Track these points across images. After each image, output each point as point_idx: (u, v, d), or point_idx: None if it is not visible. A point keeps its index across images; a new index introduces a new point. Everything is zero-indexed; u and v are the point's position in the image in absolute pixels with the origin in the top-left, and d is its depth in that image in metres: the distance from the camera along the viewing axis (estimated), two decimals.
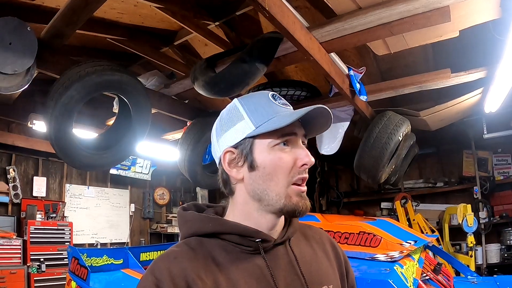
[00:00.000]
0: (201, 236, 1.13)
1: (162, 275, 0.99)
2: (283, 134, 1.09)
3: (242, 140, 1.12)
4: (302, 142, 1.14)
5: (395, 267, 2.60)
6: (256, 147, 1.11)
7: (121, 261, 4.80)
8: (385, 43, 3.58)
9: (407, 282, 2.56)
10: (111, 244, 8.60)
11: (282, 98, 1.17)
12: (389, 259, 2.73)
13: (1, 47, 2.76)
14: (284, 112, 1.11)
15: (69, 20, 2.94)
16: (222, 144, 1.16)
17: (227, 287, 1.02)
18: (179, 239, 1.18)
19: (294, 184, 1.10)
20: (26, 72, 3.01)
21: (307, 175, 1.12)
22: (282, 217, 1.18)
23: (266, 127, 1.08)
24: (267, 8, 2.38)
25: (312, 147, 5.51)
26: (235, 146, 1.13)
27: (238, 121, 1.13)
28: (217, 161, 1.20)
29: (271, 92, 1.16)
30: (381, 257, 2.80)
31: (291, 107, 1.17)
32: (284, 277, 1.10)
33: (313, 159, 1.11)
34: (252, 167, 1.11)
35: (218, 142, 1.17)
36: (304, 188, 1.11)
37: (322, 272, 1.19)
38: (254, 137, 1.11)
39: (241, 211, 1.15)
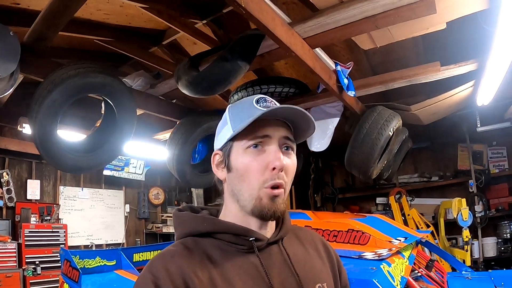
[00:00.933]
0: (197, 236, 1.16)
1: (160, 273, 1.02)
2: (255, 137, 1.12)
3: (225, 143, 1.18)
4: (284, 144, 1.15)
5: (381, 266, 2.56)
6: (233, 150, 1.16)
7: (114, 262, 4.78)
8: (371, 37, 3.53)
9: (394, 281, 2.52)
10: (107, 245, 8.60)
11: (270, 101, 1.18)
12: (377, 257, 2.70)
13: None
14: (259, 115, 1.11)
15: (50, 23, 2.93)
16: (215, 147, 1.24)
17: (222, 284, 1.05)
18: (175, 240, 1.21)
19: (267, 187, 1.10)
20: (9, 77, 2.99)
21: (280, 181, 1.11)
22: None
23: (238, 129, 1.12)
24: (243, 5, 2.34)
25: (302, 144, 5.48)
26: (221, 149, 1.20)
27: (224, 126, 1.19)
28: None
29: (258, 96, 1.19)
30: (369, 255, 2.76)
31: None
32: (278, 274, 1.12)
33: (284, 162, 1.12)
34: (229, 168, 1.17)
35: (214, 146, 1.24)
36: (277, 191, 1.11)
37: (315, 271, 1.22)
38: (233, 140, 1.15)
39: (229, 211, 1.20)
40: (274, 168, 1.09)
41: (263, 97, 1.19)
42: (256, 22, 2.56)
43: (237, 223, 1.15)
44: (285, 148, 1.15)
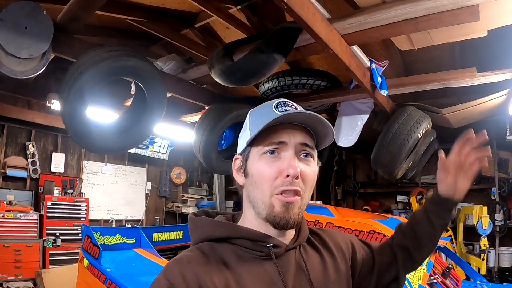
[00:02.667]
0: (213, 241, 1.14)
1: (176, 279, 1.01)
2: (271, 143, 1.09)
3: (244, 148, 1.16)
4: (303, 151, 1.12)
5: None
6: (250, 155, 1.14)
7: (134, 241, 4.87)
8: (410, 39, 3.47)
9: None
10: (126, 221, 8.76)
11: (291, 105, 1.15)
12: None
13: (16, 31, 2.75)
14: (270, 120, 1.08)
15: (85, 4, 2.93)
16: (237, 151, 1.22)
17: None
18: (191, 244, 1.19)
19: (279, 193, 1.08)
20: (41, 56, 2.99)
21: (295, 187, 1.07)
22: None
23: (253, 135, 1.11)
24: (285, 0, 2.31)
25: None
26: (241, 154, 1.18)
27: (245, 131, 1.18)
28: None
29: (278, 100, 1.16)
30: None
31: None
32: (294, 282, 1.11)
33: (302, 170, 1.09)
34: (245, 174, 1.16)
35: (237, 150, 1.23)
36: (290, 199, 1.07)
37: (330, 278, 1.20)
38: (251, 145, 1.14)
39: (247, 217, 1.18)
40: (288, 176, 1.06)
41: (283, 101, 1.16)
42: (296, 17, 2.52)
43: (254, 229, 1.14)
44: (304, 155, 1.12)
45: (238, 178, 1.19)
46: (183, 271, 1.02)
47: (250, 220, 1.16)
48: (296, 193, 1.08)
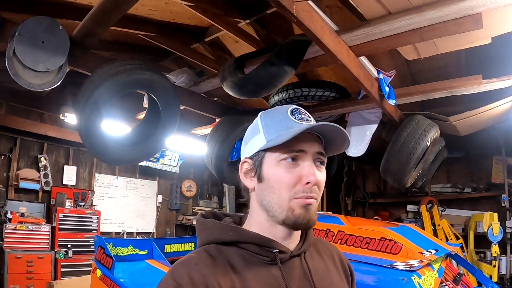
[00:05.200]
0: (220, 244, 1.15)
1: (183, 280, 1.02)
2: (291, 150, 1.10)
3: (256, 152, 1.15)
4: (318, 159, 1.14)
5: (412, 277, 2.59)
6: (266, 160, 1.14)
7: (146, 252, 4.89)
8: (415, 48, 3.54)
9: None
10: (137, 233, 8.80)
11: (304, 113, 1.17)
12: (408, 268, 2.72)
13: (34, 45, 2.85)
14: (296, 128, 1.09)
15: (100, 21, 3.01)
16: (243, 154, 1.21)
17: None
18: (198, 246, 1.20)
19: (299, 198, 1.10)
20: (58, 70, 3.09)
21: (313, 194, 1.11)
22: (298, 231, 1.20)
23: (274, 142, 1.10)
24: (295, 14, 2.38)
25: None
26: (251, 157, 1.17)
27: (256, 134, 1.17)
28: None
29: (293, 107, 1.17)
30: (400, 265, 2.78)
31: (311, 122, 1.16)
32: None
33: (319, 178, 1.11)
34: (260, 178, 1.15)
35: (242, 152, 1.22)
36: (310, 200, 1.10)
37: (333, 286, 1.22)
38: (266, 150, 1.14)
39: (255, 220, 1.19)
40: (308, 183, 1.09)
41: (297, 109, 1.17)
42: (306, 30, 2.60)
43: (262, 233, 1.15)
44: (319, 163, 1.14)
45: (247, 181, 1.19)
46: (191, 272, 1.03)
47: (260, 222, 1.17)
48: (313, 197, 1.11)
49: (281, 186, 1.10)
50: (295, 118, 1.14)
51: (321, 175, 1.14)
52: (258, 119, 1.20)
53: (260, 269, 1.11)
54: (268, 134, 1.14)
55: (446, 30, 2.89)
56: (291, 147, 1.10)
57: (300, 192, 1.10)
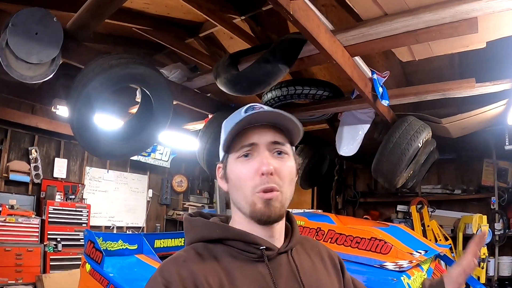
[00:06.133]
0: (207, 242, 1.17)
1: (172, 277, 1.02)
2: (241, 146, 1.14)
3: (223, 155, 1.21)
4: (275, 149, 1.15)
5: (402, 278, 2.59)
6: (229, 161, 1.18)
7: (136, 247, 4.88)
8: (410, 50, 3.55)
9: None
10: (127, 227, 8.78)
11: (258, 108, 1.16)
12: (398, 268, 2.72)
13: (27, 37, 2.82)
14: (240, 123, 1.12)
15: (94, 13, 2.99)
16: (219, 160, 1.25)
17: None
18: (185, 244, 1.21)
19: (259, 192, 1.11)
20: (51, 62, 3.06)
21: (272, 185, 1.11)
22: (278, 226, 1.20)
23: (223, 142, 1.17)
24: (291, 12, 2.37)
25: (331, 146, 5.50)
26: (222, 162, 1.22)
27: (221, 139, 1.21)
28: None
29: (249, 105, 1.20)
30: (390, 265, 2.79)
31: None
32: (285, 285, 1.12)
33: (276, 166, 1.12)
34: (227, 180, 1.19)
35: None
36: (270, 194, 1.10)
37: (321, 283, 1.22)
38: (228, 152, 1.19)
39: (235, 220, 1.22)
40: (262, 174, 1.10)
41: (251, 106, 1.18)
42: (302, 28, 2.59)
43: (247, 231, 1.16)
44: (277, 153, 1.15)
45: (222, 184, 1.23)
46: (179, 270, 1.04)
47: (239, 221, 1.19)
48: (274, 189, 1.11)
49: (241, 182, 1.13)
50: (243, 115, 1.14)
51: (280, 163, 1.14)
52: (223, 123, 1.24)
53: (247, 266, 1.12)
54: (224, 135, 1.18)
55: (442, 33, 2.89)
56: (241, 143, 1.14)
57: (259, 185, 1.11)
